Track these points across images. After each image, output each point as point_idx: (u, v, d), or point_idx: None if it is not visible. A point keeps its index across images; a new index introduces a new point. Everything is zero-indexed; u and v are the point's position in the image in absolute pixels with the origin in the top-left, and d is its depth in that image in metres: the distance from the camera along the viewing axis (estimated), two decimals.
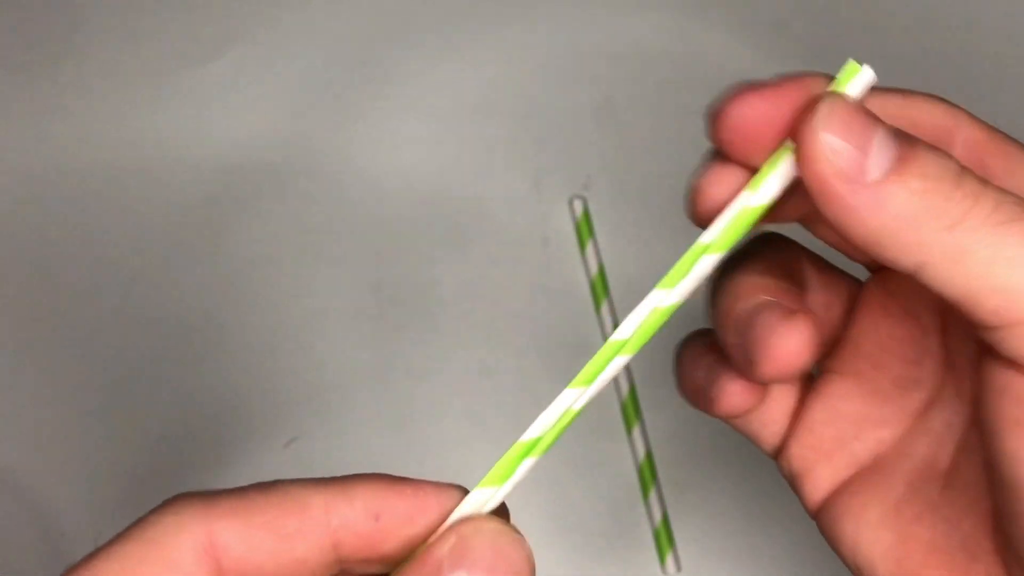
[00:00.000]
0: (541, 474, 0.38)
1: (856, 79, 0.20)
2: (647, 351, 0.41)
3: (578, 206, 0.42)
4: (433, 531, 0.20)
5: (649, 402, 0.41)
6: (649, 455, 0.39)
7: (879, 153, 0.19)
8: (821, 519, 0.25)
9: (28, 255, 0.43)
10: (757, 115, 0.21)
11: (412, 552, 0.20)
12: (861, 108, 0.20)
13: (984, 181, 0.20)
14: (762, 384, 0.24)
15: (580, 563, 0.39)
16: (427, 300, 0.42)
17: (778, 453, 0.26)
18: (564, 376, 0.36)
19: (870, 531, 0.23)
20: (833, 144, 0.19)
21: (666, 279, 0.22)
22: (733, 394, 0.24)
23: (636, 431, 0.39)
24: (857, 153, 0.19)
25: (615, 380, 0.37)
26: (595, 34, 0.45)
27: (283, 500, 0.19)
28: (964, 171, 0.20)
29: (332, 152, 0.44)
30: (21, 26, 0.46)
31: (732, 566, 0.39)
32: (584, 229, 0.42)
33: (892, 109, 0.22)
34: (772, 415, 0.25)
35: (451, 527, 0.20)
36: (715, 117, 0.22)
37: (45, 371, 0.42)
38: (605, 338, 0.40)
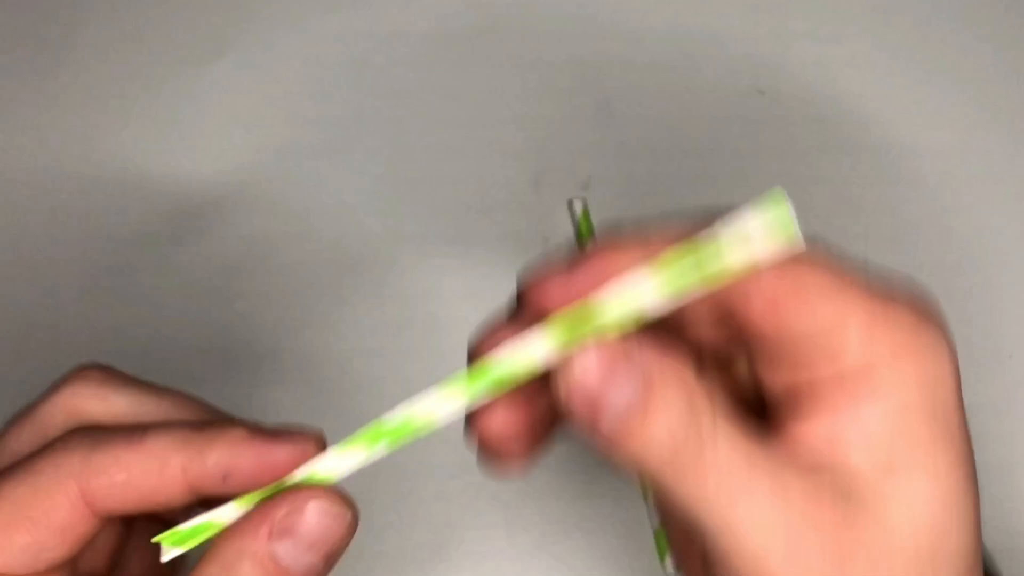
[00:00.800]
0: (541, 475, 0.38)
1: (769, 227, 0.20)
2: None
3: (578, 206, 0.42)
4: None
5: None
6: None
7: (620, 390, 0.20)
8: None
9: (28, 257, 0.44)
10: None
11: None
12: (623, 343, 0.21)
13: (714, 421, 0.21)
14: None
15: (580, 563, 0.39)
16: (428, 302, 0.42)
17: None
18: None
19: None
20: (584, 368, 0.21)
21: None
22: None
23: None
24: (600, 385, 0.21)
25: None
26: (595, 34, 0.45)
27: (145, 459, 0.23)
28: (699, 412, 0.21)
29: (327, 157, 0.44)
30: (17, 30, 0.46)
31: None
32: (584, 229, 0.42)
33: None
34: None
35: (288, 492, 0.22)
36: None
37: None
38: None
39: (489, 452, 0.23)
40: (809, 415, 0.21)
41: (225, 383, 0.40)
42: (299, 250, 0.43)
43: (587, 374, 0.21)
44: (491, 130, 0.44)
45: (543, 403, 0.23)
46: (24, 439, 0.25)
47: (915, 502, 0.21)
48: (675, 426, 0.20)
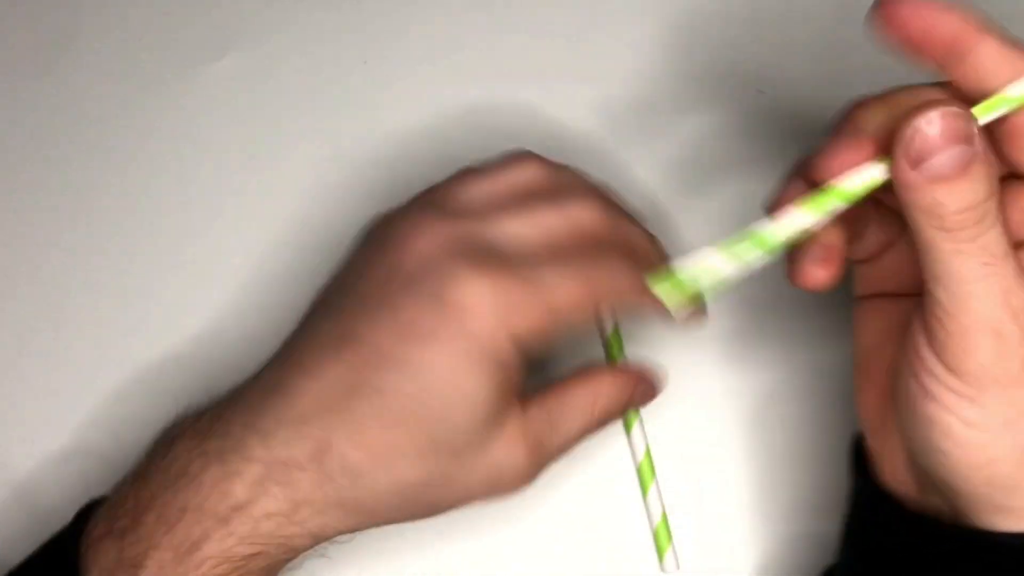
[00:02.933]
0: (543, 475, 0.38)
1: None
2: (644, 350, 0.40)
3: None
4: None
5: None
6: (648, 453, 0.39)
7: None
8: None
9: (29, 257, 0.44)
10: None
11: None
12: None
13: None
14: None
15: (581, 560, 0.39)
16: None
17: None
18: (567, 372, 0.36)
19: None
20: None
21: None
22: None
23: (636, 428, 0.39)
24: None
25: None
26: (596, 34, 0.45)
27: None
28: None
29: (328, 150, 0.44)
30: (19, 28, 0.46)
31: (730, 563, 0.39)
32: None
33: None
34: None
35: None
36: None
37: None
38: (607, 337, 0.40)
39: (815, 263, 0.30)
40: None
41: None
42: (298, 244, 0.43)
43: (932, 125, 0.26)
44: (491, 130, 0.44)
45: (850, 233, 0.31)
46: None
47: None
48: (980, 196, 0.26)
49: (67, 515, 0.34)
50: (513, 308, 0.30)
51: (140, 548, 0.30)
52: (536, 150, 0.35)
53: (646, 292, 0.32)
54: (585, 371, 0.35)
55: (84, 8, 0.46)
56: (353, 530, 0.32)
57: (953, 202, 0.26)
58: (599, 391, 0.34)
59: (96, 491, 0.34)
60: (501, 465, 0.32)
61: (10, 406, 0.42)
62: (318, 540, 0.32)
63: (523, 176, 0.34)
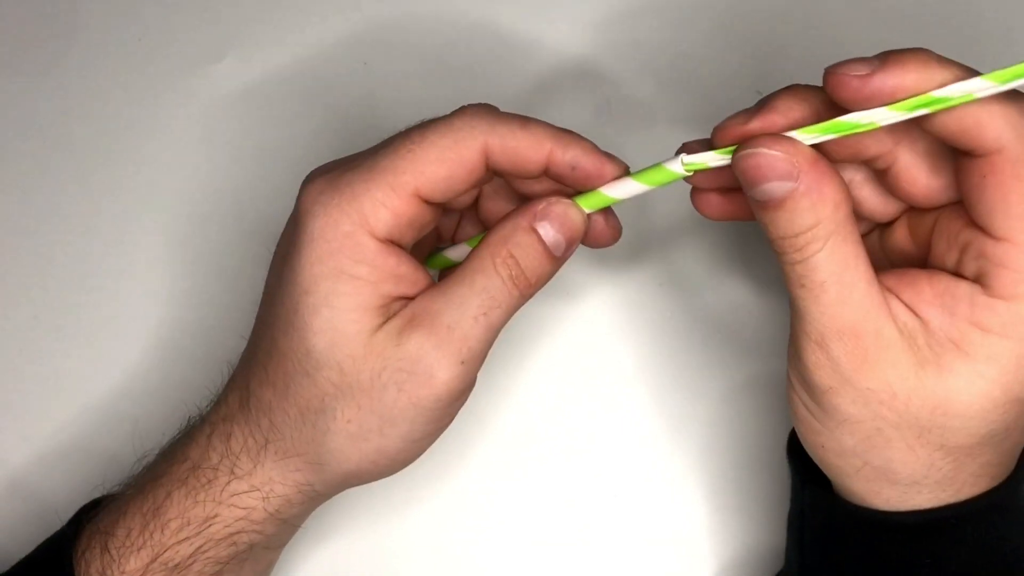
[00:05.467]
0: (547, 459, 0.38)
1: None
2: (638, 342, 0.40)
3: None
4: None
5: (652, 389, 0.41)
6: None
7: None
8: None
9: (28, 256, 0.44)
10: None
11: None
12: None
13: None
14: None
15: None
16: None
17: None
18: (570, 373, 0.36)
19: None
20: None
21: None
22: None
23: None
24: None
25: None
26: (596, 34, 0.45)
27: (528, 138, 0.31)
28: None
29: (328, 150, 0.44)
30: (20, 27, 0.46)
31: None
32: None
33: None
34: None
35: (557, 198, 0.32)
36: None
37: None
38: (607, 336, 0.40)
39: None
40: (935, 279, 0.28)
41: None
42: None
43: (760, 156, 0.27)
44: None
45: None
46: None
47: (956, 386, 0.27)
48: (799, 228, 0.27)
49: (65, 512, 0.34)
50: (343, 191, 0.30)
51: (112, 518, 0.32)
52: None
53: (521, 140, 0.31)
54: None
55: (84, 8, 0.46)
56: (302, 491, 0.32)
57: (773, 229, 0.28)
58: (493, 241, 0.31)
59: (94, 488, 0.34)
60: (396, 358, 0.30)
61: (9, 403, 0.42)
62: (273, 507, 0.32)
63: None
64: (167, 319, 0.42)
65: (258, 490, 0.32)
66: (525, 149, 0.31)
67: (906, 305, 0.28)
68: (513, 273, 0.31)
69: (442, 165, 0.30)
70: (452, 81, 0.45)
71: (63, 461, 0.41)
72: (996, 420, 0.28)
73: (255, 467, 0.32)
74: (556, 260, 0.32)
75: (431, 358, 0.30)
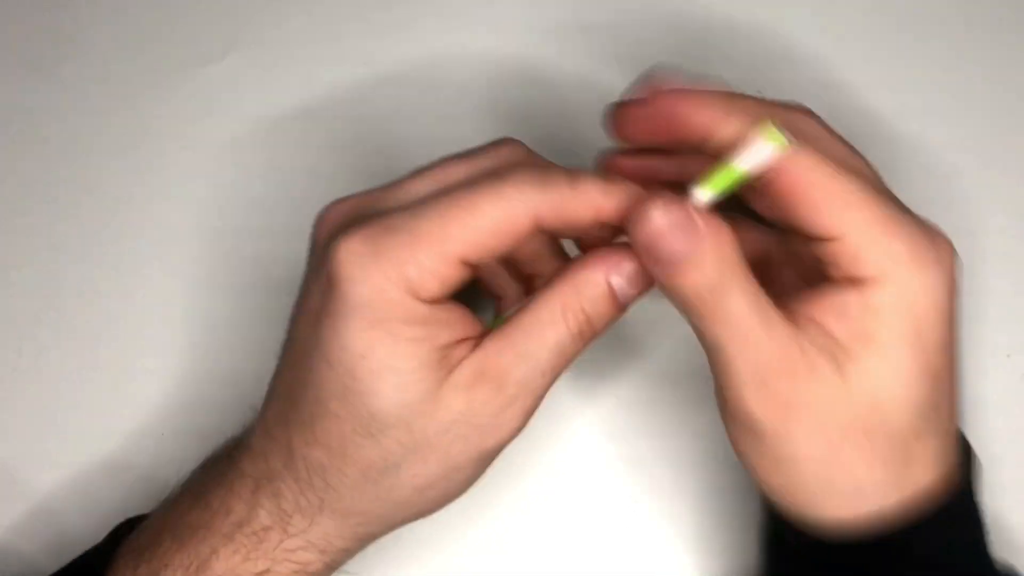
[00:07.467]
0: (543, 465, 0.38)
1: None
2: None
3: None
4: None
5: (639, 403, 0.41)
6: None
7: None
8: None
9: (33, 256, 0.44)
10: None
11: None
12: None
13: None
14: None
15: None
16: None
17: None
18: (571, 372, 0.36)
19: None
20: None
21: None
22: None
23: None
24: None
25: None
26: (596, 34, 0.45)
27: (580, 202, 0.30)
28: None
29: (328, 150, 0.44)
30: (20, 27, 0.46)
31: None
32: None
33: None
34: None
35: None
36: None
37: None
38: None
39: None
40: (821, 293, 0.29)
41: None
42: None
43: (654, 223, 0.28)
44: (491, 130, 0.44)
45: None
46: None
47: (876, 376, 0.28)
48: (710, 276, 0.28)
49: (93, 533, 0.34)
50: (388, 257, 0.29)
51: (154, 566, 0.31)
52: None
53: (556, 203, 0.30)
54: (550, 280, 0.31)
55: (84, 8, 0.46)
56: (361, 540, 0.32)
57: (670, 290, 0.29)
58: (564, 293, 0.31)
59: (127, 510, 0.34)
60: (466, 413, 0.30)
61: (35, 423, 0.42)
62: (331, 558, 0.32)
63: (496, 160, 0.32)
64: (187, 331, 0.42)
65: (315, 545, 0.31)
66: (574, 211, 0.30)
67: (811, 323, 0.29)
68: (583, 329, 0.31)
69: (492, 236, 0.29)
70: (453, 73, 0.45)
71: (91, 481, 0.40)
72: (925, 398, 0.29)
73: (310, 525, 0.31)
74: (622, 312, 0.31)
75: (504, 416, 0.30)
